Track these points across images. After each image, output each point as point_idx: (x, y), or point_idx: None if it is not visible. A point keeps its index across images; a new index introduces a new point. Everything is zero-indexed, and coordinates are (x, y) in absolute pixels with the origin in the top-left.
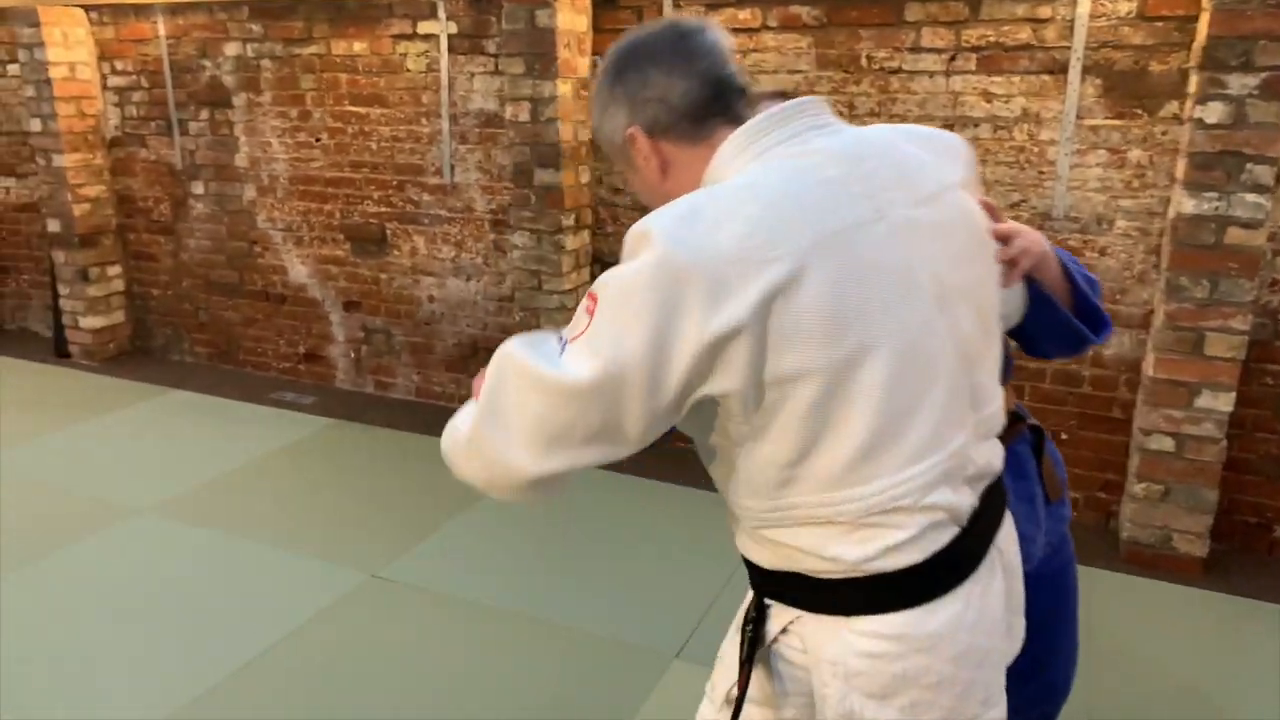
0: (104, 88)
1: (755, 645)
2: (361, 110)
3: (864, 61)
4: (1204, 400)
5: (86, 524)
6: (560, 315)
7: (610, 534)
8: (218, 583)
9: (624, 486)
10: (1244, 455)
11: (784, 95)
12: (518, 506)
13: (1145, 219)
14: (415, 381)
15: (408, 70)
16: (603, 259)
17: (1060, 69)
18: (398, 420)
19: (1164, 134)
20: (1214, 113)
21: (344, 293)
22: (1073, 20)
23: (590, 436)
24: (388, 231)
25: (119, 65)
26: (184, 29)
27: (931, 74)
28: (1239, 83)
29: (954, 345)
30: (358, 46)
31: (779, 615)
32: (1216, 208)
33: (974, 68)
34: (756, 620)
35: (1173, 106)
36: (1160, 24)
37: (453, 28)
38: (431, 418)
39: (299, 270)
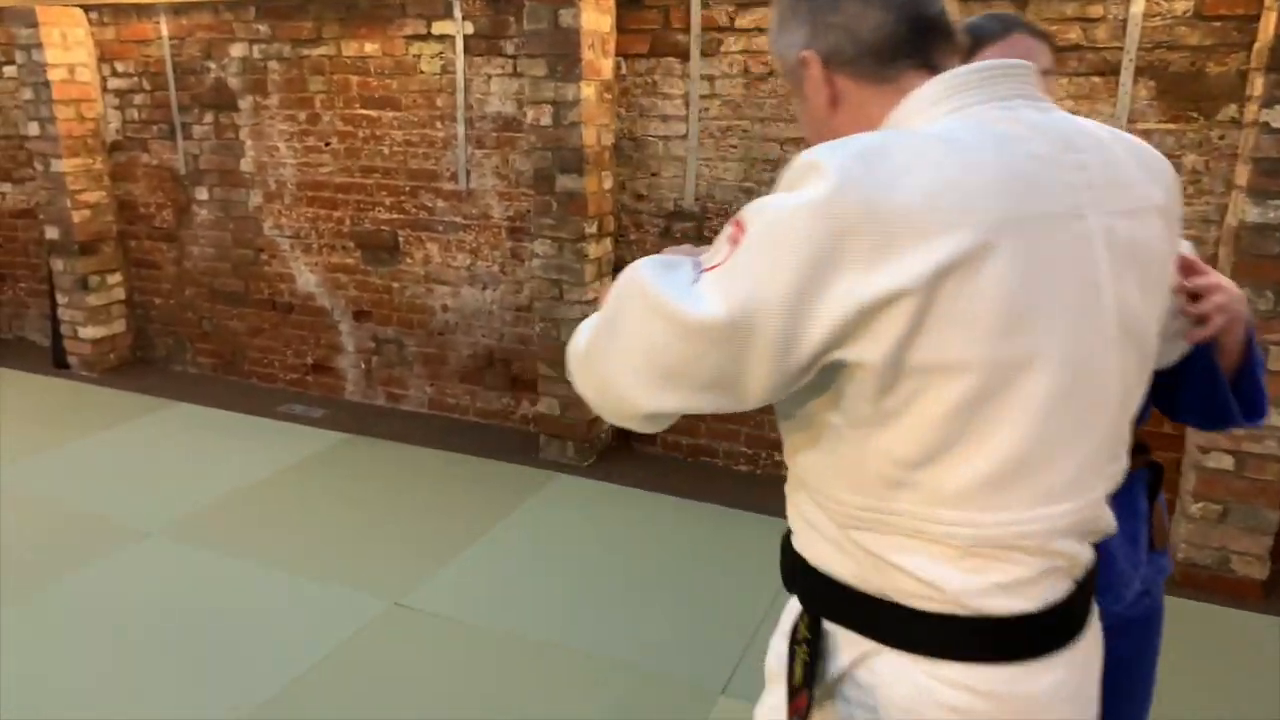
0: (104, 90)
1: (813, 671)
2: (373, 114)
3: None
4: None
5: (91, 548)
6: None
7: (643, 556)
8: (231, 612)
9: (655, 505)
10: None
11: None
12: (543, 527)
13: (1201, 227)
14: (428, 393)
15: (421, 72)
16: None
17: (1111, 70)
18: (411, 434)
19: (1221, 138)
20: None
21: (354, 302)
22: (1125, 20)
23: (708, 382)
24: (400, 239)
25: (120, 67)
26: (187, 29)
27: None
28: None
29: (1118, 383)
30: (369, 47)
31: (848, 645)
32: None
33: None
34: (811, 642)
35: (1231, 110)
36: (1219, 24)
37: (469, 28)
38: (446, 431)
39: (307, 278)
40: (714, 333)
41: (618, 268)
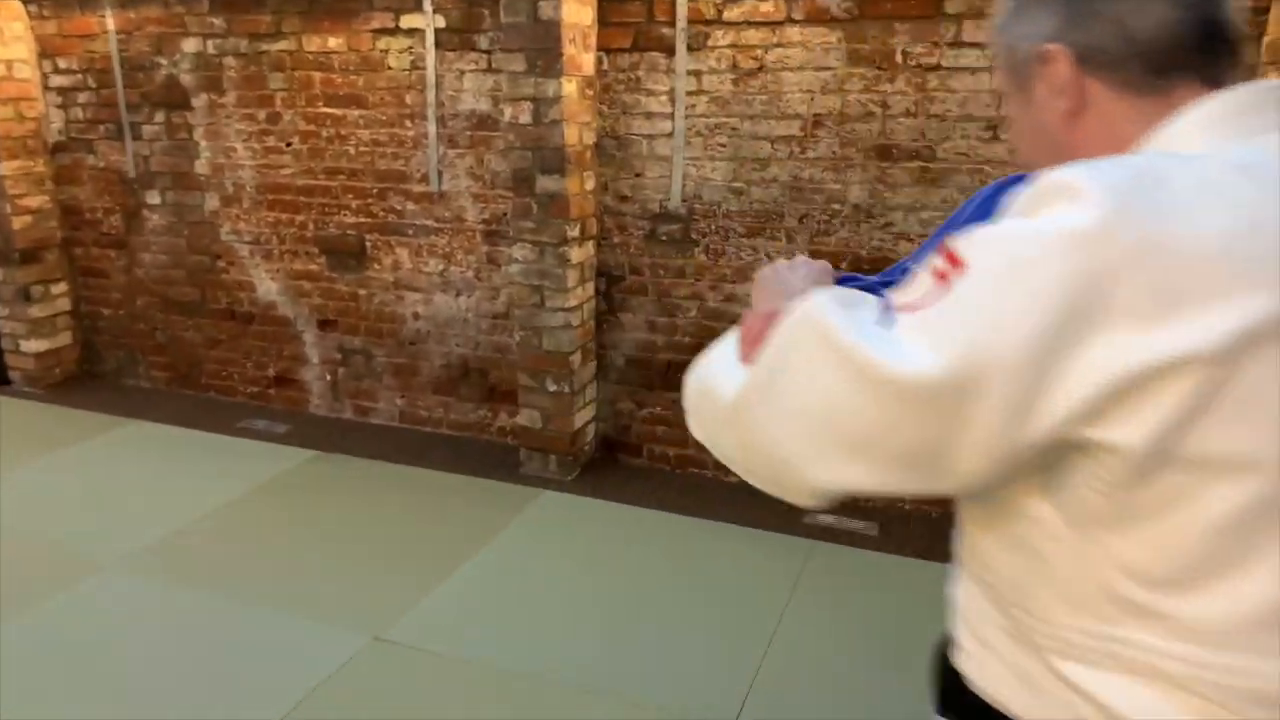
0: (45, 88)
1: None
2: (338, 112)
3: (899, 58)
4: None
5: (42, 584)
6: (565, 334)
7: (636, 578)
8: (197, 653)
9: (645, 521)
10: None
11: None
12: (529, 549)
13: None
14: (399, 406)
15: (389, 68)
16: (608, 272)
17: None
18: (382, 449)
19: None
20: None
21: (318, 310)
22: None
23: (903, 455)
24: (367, 244)
25: (62, 63)
26: (136, 23)
27: (974, 71)
28: None
29: None
30: (333, 42)
31: None
32: None
33: None
34: None
35: None
36: None
37: (440, 21)
38: (419, 445)
39: (268, 286)
40: (925, 394)
41: (601, 272)
